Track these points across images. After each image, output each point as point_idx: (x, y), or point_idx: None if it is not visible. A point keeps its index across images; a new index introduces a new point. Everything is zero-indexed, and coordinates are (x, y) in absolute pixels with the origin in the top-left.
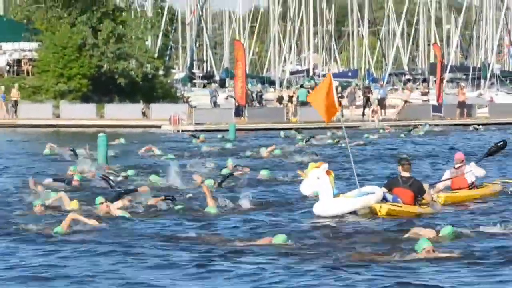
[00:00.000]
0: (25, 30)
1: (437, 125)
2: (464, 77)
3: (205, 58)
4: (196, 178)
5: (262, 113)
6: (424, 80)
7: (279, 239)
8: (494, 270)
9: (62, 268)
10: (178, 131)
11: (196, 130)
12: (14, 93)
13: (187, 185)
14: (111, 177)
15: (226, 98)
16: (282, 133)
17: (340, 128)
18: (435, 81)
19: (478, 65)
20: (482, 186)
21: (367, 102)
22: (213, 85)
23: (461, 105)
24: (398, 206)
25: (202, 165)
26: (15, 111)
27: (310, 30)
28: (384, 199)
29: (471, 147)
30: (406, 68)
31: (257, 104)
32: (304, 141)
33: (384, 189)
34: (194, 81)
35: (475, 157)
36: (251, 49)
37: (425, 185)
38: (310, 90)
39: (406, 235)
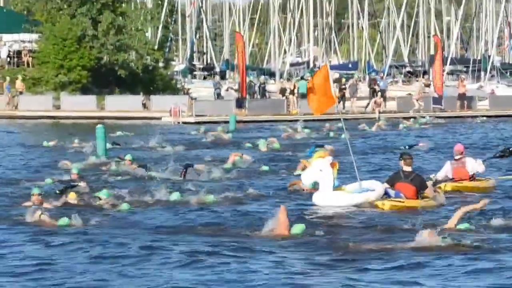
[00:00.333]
0: (25, 22)
1: (438, 117)
2: (464, 69)
3: (205, 50)
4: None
5: (263, 105)
6: (425, 72)
7: (298, 228)
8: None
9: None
10: (178, 122)
11: (196, 122)
12: (19, 84)
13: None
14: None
15: (226, 90)
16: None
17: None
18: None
19: (478, 58)
20: (481, 179)
21: (373, 94)
22: (217, 77)
23: (461, 97)
24: (400, 201)
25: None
26: (17, 103)
27: (310, 22)
28: (387, 195)
29: (471, 139)
30: (406, 60)
31: (259, 96)
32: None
33: (386, 185)
34: (195, 73)
35: (475, 150)
36: (251, 41)
37: (429, 182)
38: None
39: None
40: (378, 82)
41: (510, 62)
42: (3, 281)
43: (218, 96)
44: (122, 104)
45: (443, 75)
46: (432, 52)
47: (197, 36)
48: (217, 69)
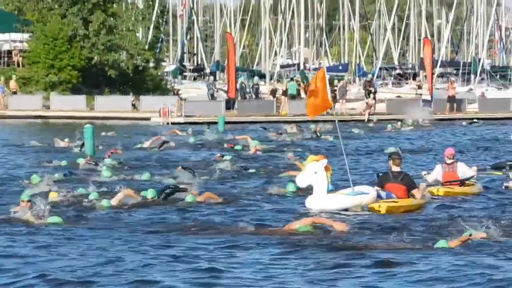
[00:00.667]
0: (16, 21)
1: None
2: (454, 72)
3: (195, 51)
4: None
5: (253, 106)
6: (415, 75)
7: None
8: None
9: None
10: (167, 123)
11: (186, 123)
12: (13, 84)
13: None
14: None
15: (216, 91)
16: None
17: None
18: (425, 76)
19: (469, 60)
20: (469, 184)
21: (368, 96)
22: (211, 78)
23: (451, 99)
24: (394, 201)
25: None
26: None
27: (301, 24)
28: (379, 197)
29: (461, 141)
30: (396, 62)
31: (254, 97)
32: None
33: (377, 188)
34: (185, 73)
35: (465, 153)
36: (242, 42)
37: (422, 184)
38: (301, 83)
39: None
40: (373, 84)
41: (500, 65)
42: None
43: (212, 96)
44: (112, 104)
45: (433, 77)
46: (422, 55)
47: (188, 37)
48: (207, 70)
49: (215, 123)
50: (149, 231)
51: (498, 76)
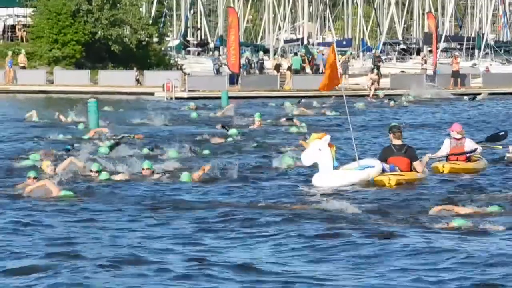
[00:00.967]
0: None
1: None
2: (458, 47)
3: (199, 26)
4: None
5: (256, 81)
6: (419, 50)
7: None
8: None
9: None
10: (171, 98)
11: (189, 98)
12: (22, 59)
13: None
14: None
15: (221, 65)
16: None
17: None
18: (429, 50)
19: (473, 35)
20: (474, 159)
21: (378, 71)
22: (216, 53)
23: (455, 74)
24: (401, 175)
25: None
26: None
27: None
28: (383, 170)
29: (466, 117)
30: (400, 37)
31: (257, 72)
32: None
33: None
34: (188, 48)
35: (469, 129)
36: (245, 17)
37: (426, 157)
38: (305, 59)
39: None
40: (382, 59)
41: (504, 40)
42: None
43: (218, 71)
44: (115, 79)
45: (437, 52)
46: (426, 29)
47: (192, 11)
48: (211, 45)
49: (219, 98)
50: (145, 208)
51: (502, 51)
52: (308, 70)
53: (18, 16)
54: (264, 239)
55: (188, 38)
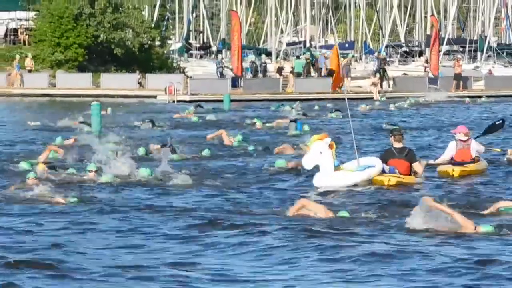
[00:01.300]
0: None
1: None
2: (460, 49)
3: (202, 29)
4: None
5: (258, 84)
6: (421, 53)
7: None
8: None
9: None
10: (173, 101)
11: (191, 101)
12: (29, 62)
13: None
14: None
15: (224, 68)
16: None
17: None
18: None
19: (475, 38)
20: (478, 160)
21: (383, 74)
22: (219, 56)
23: (457, 77)
24: (401, 177)
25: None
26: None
27: (307, 1)
28: (383, 171)
29: (468, 119)
30: (402, 40)
31: (261, 75)
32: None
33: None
34: (191, 51)
35: (473, 131)
36: (248, 20)
37: (423, 162)
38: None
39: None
40: (387, 62)
41: (507, 43)
42: None
43: (221, 75)
44: (118, 82)
45: (439, 55)
46: (428, 32)
47: (194, 14)
48: (214, 48)
49: (221, 101)
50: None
51: (504, 54)
52: (313, 73)
53: (20, 19)
54: (252, 246)
55: (191, 41)
